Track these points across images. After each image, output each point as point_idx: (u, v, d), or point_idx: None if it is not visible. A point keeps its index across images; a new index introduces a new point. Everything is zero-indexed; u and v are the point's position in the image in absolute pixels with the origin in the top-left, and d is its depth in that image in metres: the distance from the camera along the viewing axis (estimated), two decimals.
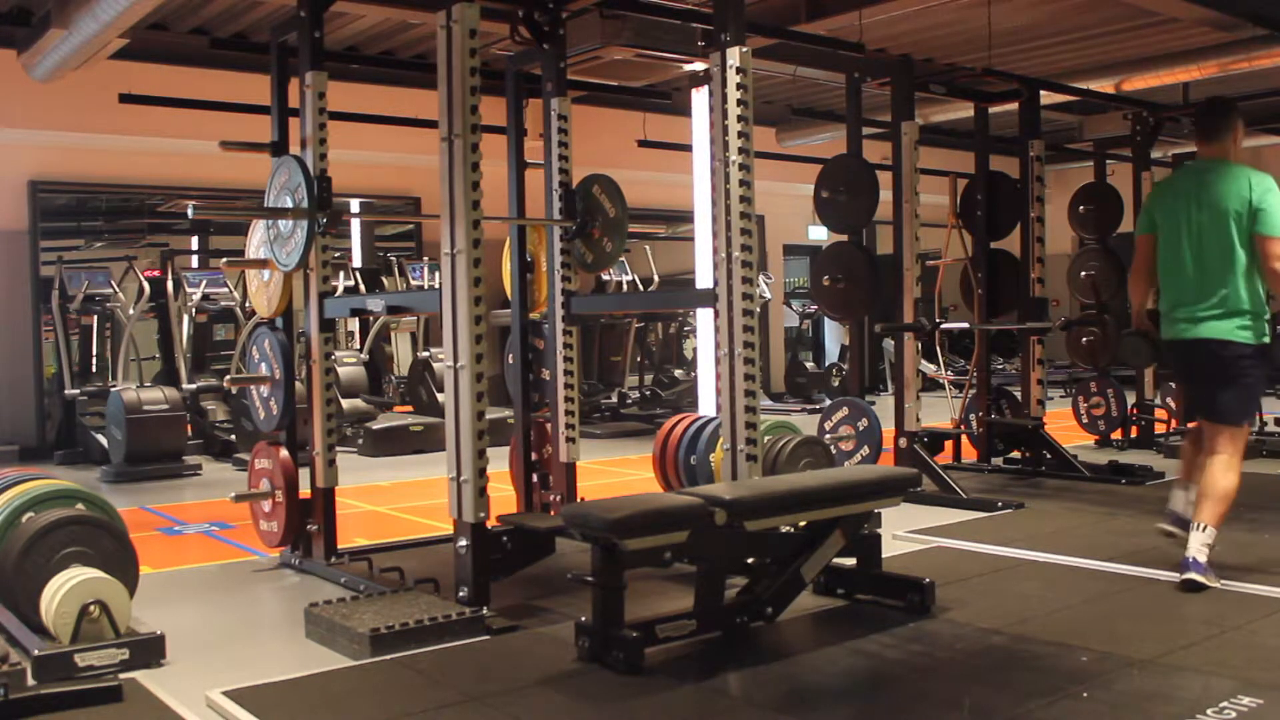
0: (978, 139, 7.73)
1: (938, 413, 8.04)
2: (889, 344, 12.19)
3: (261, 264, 5.19)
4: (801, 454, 5.44)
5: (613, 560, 3.49)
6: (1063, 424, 8.80)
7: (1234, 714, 2.95)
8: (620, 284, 11.84)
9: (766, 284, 12.72)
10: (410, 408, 10.83)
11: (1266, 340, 4.34)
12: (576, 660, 3.55)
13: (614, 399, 11.88)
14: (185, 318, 9.96)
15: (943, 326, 6.93)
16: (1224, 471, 4.34)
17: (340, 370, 9.76)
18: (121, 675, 3.46)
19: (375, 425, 9.50)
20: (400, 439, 9.39)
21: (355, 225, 12.71)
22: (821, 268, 7.11)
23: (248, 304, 8.63)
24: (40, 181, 9.86)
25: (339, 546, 5.00)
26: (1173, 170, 4.49)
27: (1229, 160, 4.43)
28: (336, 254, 12.12)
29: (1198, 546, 4.19)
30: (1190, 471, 4.71)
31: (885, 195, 6.91)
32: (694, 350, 12.68)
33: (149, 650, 3.63)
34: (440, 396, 8.96)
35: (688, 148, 9.04)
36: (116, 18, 6.99)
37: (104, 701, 3.24)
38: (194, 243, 12.90)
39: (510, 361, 5.56)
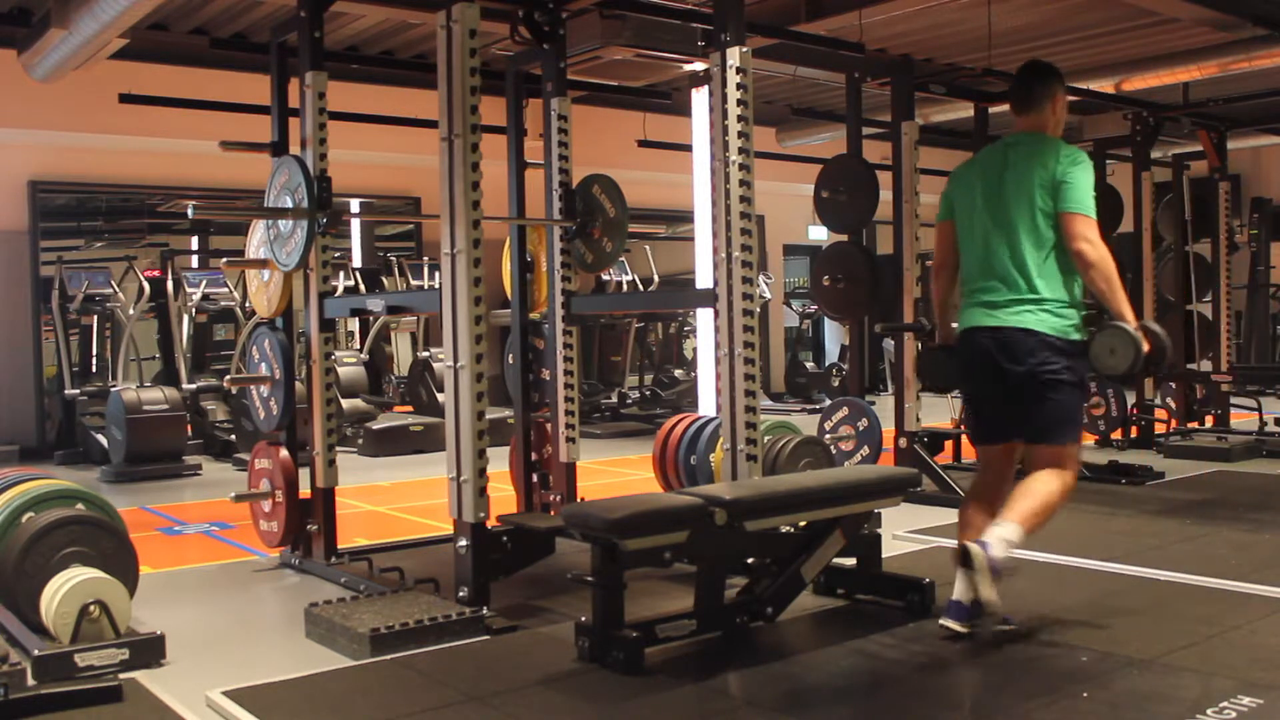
0: (978, 139, 7.73)
1: (938, 413, 8.03)
2: (889, 344, 12.19)
3: (261, 264, 5.19)
4: (801, 454, 5.44)
5: (613, 560, 3.49)
6: None
7: (1234, 714, 2.95)
8: (620, 284, 11.84)
9: (766, 284, 12.72)
10: (410, 408, 10.83)
11: (1080, 337, 3.70)
12: (576, 660, 3.55)
13: (614, 399, 11.88)
14: (185, 318, 9.96)
15: None
16: (1051, 478, 3.67)
17: (340, 370, 9.76)
18: (121, 675, 3.46)
19: (375, 425, 9.50)
20: (400, 439, 9.39)
21: (355, 225, 12.71)
22: (821, 268, 7.11)
23: (248, 304, 8.63)
24: (40, 181, 9.86)
25: (339, 546, 5.00)
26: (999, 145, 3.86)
27: (1044, 133, 3.85)
28: (336, 254, 12.12)
29: (996, 535, 3.49)
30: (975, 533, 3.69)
31: (885, 195, 6.91)
32: (694, 350, 12.68)
33: (149, 650, 3.63)
34: (440, 396, 8.96)
35: (688, 148, 9.03)
36: (116, 18, 6.99)
37: (104, 701, 3.24)
38: (194, 243, 12.89)
39: (510, 361, 5.56)
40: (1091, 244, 3.56)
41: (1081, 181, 3.63)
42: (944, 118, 10.47)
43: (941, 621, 3.63)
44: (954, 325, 4.00)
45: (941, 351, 4.10)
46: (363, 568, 4.70)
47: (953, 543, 5.21)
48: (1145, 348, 3.56)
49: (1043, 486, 3.65)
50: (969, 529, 3.81)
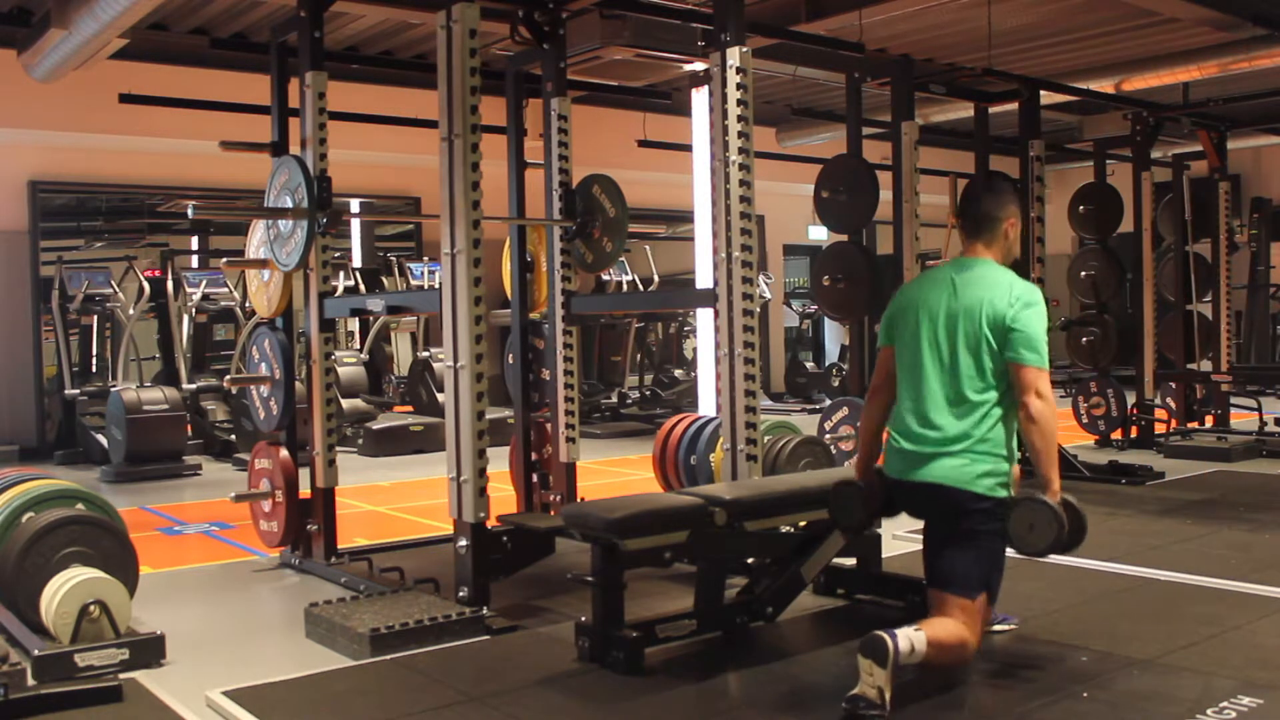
0: (978, 139, 7.73)
1: None
2: None
3: (261, 264, 5.19)
4: (801, 454, 5.44)
5: (613, 560, 3.49)
6: (1062, 424, 8.71)
7: (1234, 714, 2.95)
8: (620, 284, 11.84)
9: (766, 284, 12.72)
10: (410, 408, 10.83)
11: (1006, 495, 3.30)
12: (576, 660, 3.55)
13: (614, 399, 11.88)
14: (185, 318, 9.96)
15: None
16: (957, 626, 3.23)
17: (340, 370, 9.76)
18: (121, 675, 3.46)
19: (375, 425, 9.50)
20: (400, 439, 9.39)
21: (355, 225, 12.71)
22: (821, 268, 7.11)
23: (248, 304, 8.63)
24: (40, 181, 9.86)
25: (339, 546, 5.00)
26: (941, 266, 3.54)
27: (994, 262, 3.46)
28: (336, 254, 12.12)
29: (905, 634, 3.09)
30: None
31: (885, 195, 6.91)
32: (694, 350, 12.67)
33: (149, 650, 3.63)
34: (440, 396, 8.96)
35: (688, 148, 9.03)
36: (116, 18, 6.99)
37: (104, 701, 3.24)
38: (194, 243, 12.89)
39: (510, 361, 5.56)
40: (1042, 399, 3.21)
41: (1034, 327, 3.28)
42: (944, 118, 10.48)
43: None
44: (877, 465, 3.61)
45: (855, 488, 3.59)
46: (363, 568, 4.70)
47: None
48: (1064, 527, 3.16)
49: (945, 629, 3.21)
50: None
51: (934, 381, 3.37)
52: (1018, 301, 3.30)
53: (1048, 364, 3.26)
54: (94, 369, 10.25)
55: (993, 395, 3.31)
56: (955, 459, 3.29)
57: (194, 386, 9.46)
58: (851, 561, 4.20)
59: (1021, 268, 7.41)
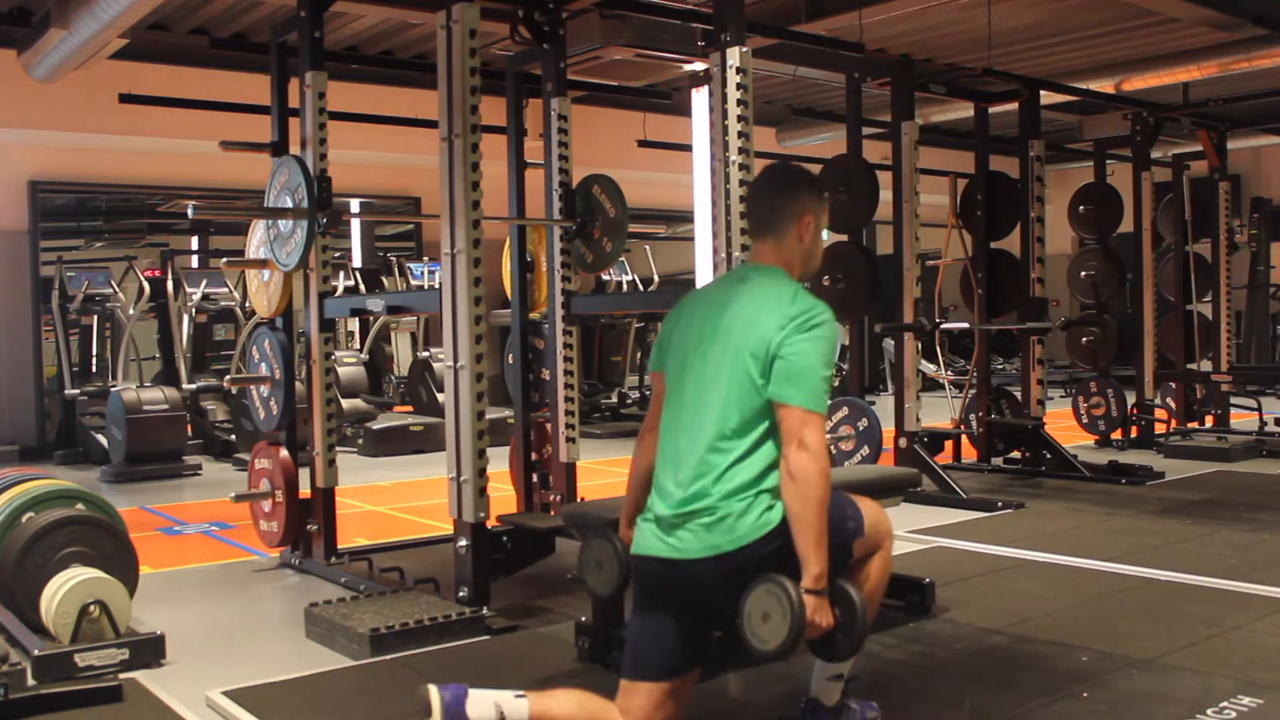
0: (978, 139, 7.73)
1: (938, 413, 8.04)
2: (889, 344, 12.19)
3: (261, 264, 5.19)
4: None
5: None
6: (1063, 424, 8.80)
7: (1234, 714, 2.95)
8: (620, 284, 11.84)
9: None
10: (410, 408, 10.83)
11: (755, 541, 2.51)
12: (576, 660, 3.55)
13: (614, 399, 11.88)
14: (185, 318, 9.96)
15: (943, 326, 6.94)
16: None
17: (340, 370, 9.76)
18: (121, 675, 3.46)
19: (375, 425, 9.50)
20: (400, 439, 9.39)
21: (355, 225, 12.71)
22: (821, 268, 7.11)
23: (248, 304, 8.63)
24: (40, 181, 9.86)
25: (339, 546, 5.00)
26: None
27: (780, 270, 2.71)
28: (336, 254, 12.12)
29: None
30: None
31: (885, 195, 6.91)
32: None
33: (149, 650, 3.63)
34: (440, 396, 8.96)
35: (688, 148, 9.03)
36: (116, 18, 6.99)
37: (104, 701, 3.24)
38: (194, 243, 12.91)
39: (510, 361, 5.56)
40: (806, 452, 2.43)
41: (808, 357, 2.51)
42: (944, 118, 10.48)
43: None
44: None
45: (613, 546, 2.87)
46: (363, 568, 4.70)
47: (952, 543, 5.24)
48: (817, 622, 2.42)
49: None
50: None
51: (693, 419, 2.61)
52: (795, 321, 2.54)
53: (824, 407, 2.51)
54: (94, 369, 10.25)
55: (757, 443, 2.54)
56: (714, 524, 2.52)
57: (194, 386, 9.46)
58: None
59: (1022, 267, 7.42)
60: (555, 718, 2.58)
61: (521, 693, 2.59)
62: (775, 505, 2.51)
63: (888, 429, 6.81)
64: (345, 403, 9.69)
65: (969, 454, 7.71)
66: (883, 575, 2.79)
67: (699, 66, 7.01)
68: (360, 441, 9.46)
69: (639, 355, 12.51)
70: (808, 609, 2.38)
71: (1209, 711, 2.97)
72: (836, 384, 12.87)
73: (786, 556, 2.45)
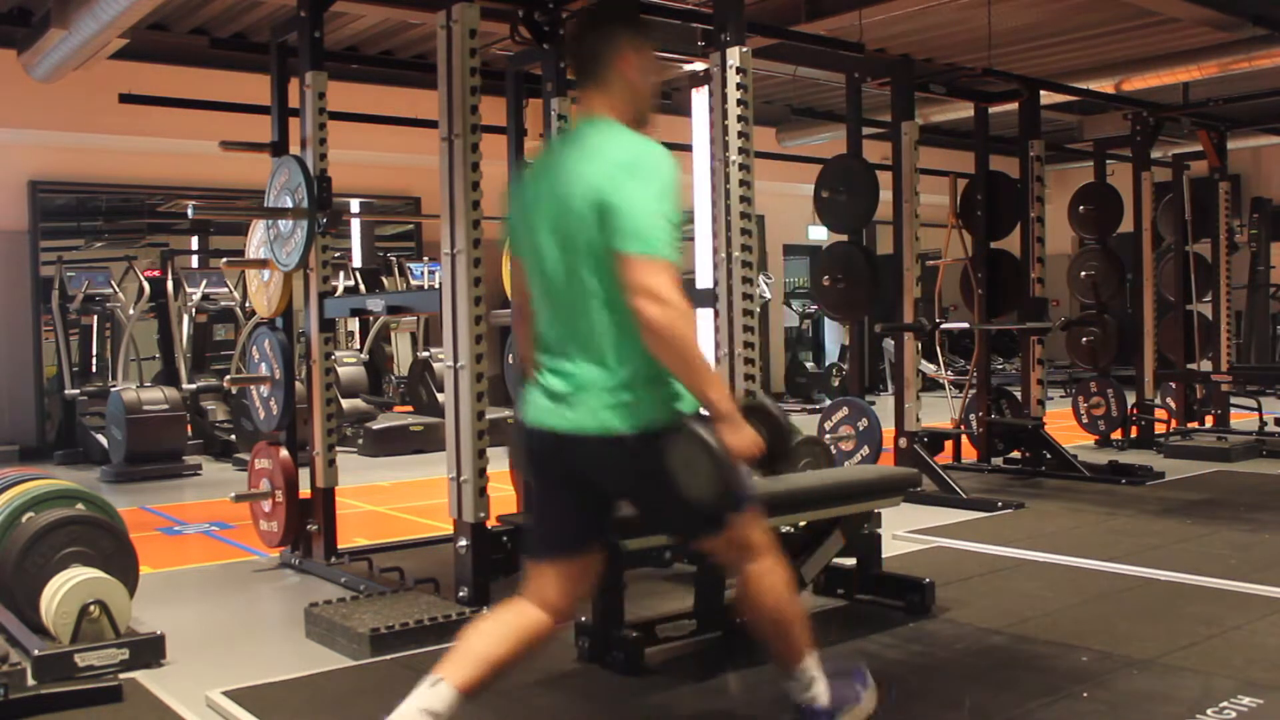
0: (978, 139, 7.73)
1: (938, 413, 8.04)
2: (889, 344, 12.20)
3: (261, 264, 5.19)
4: (801, 454, 5.44)
5: (613, 560, 3.49)
6: (1063, 424, 8.80)
7: (1234, 714, 2.95)
8: None
9: (766, 284, 12.72)
10: (410, 408, 10.83)
11: (660, 421, 2.43)
12: (576, 660, 3.55)
13: None
14: (185, 318, 9.96)
15: (943, 326, 6.94)
16: (771, 572, 2.59)
17: (340, 370, 9.76)
18: (121, 675, 3.46)
19: (375, 425, 9.50)
20: (400, 439, 9.39)
21: (355, 225, 12.70)
22: (821, 268, 7.12)
23: (248, 304, 8.63)
24: (40, 181, 9.86)
25: (339, 546, 5.00)
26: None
27: (614, 121, 2.54)
28: (336, 254, 12.11)
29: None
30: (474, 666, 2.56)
31: (885, 195, 6.91)
32: None
33: (149, 650, 3.63)
34: (440, 396, 8.96)
35: (688, 148, 8.99)
36: (116, 18, 6.99)
37: (104, 701, 3.24)
38: (194, 243, 12.89)
39: (510, 361, 5.56)
40: (655, 299, 2.28)
41: (640, 201, 2.34)
42: (944, 118, 10.48)
43: None
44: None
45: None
46: (363, 568, 4.70)
47: (953, 543, 5.24)
48: (740, 446, 2.36)
49: (769, 594, 2.59)
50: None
51: (557, 295, 2.51)
52: (620, 169, 2.37)
53: (667, 251, 2.33)
54: (94, 369, 10.25)
55: (612, 305, 2.41)
56: (592, 402, 2.45)
57: (194, 386, 9.46)
58: (851, 562, 4.20)
59: (1022, 267, 7.42)
60: (482, 674, 2.49)
61: (436, 677, 2.48)
62: (648, 398, 2.43)
63: (888, 429, 6.81)
64: (345, 403, 9.68)
65: (969, 454, 7.71)
66: (779, 590, 2.56)
67: (699, 66, 7.00)
68: (360, 441, 9.46)
69: None
70: (727, 440, 2.33)
71: (1209, 711, 2.97)
72: (837, 385, 12.90)
73: (652, 442, 2.40)
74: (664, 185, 2.39)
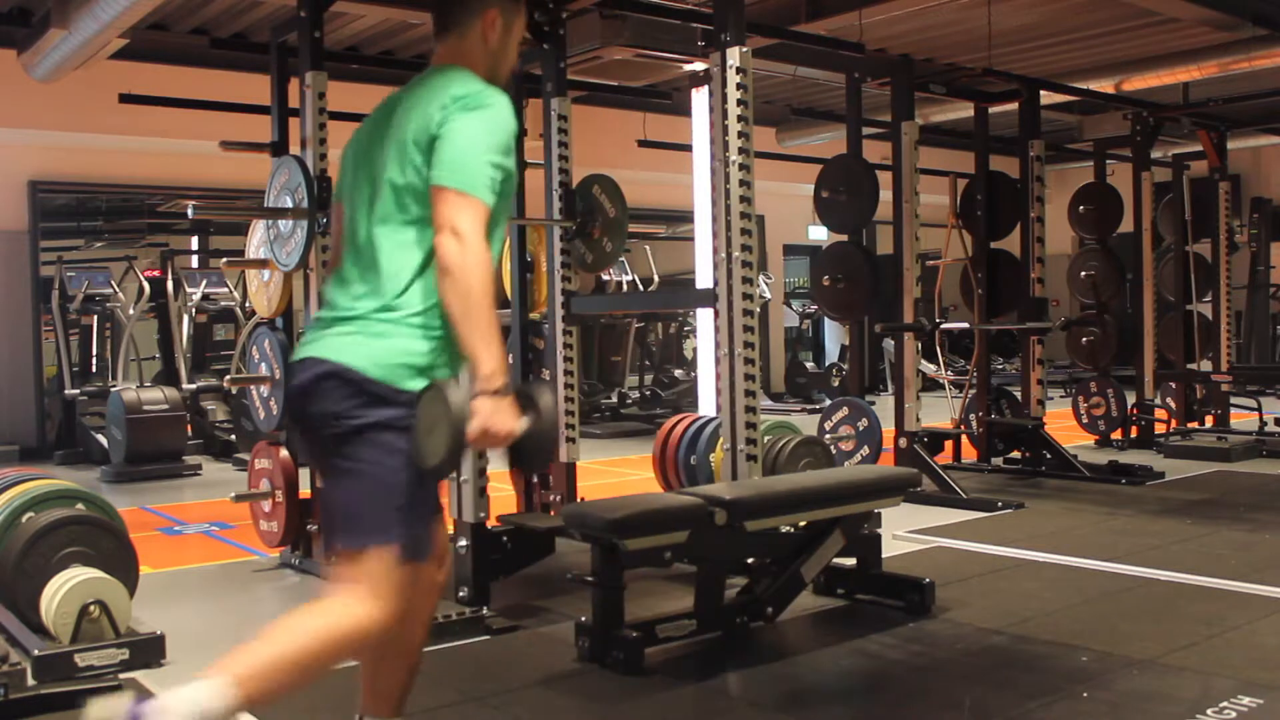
0: (978, 139, 7.73)
1: (938, 413, 8.04)
2: (889, 344, 12.19)
3: (261, 264, 5.19)
4: (801, 454, 5.44)
5: (613, 560, 3.49)
6: (1063, 424, 8.80)
7: (1234, 714, 2.95)
8: (620, 284, 11.84)
9: (766, 284, 12.72)
10: None
11: (425, 382, 2.23)
12: (576, 660, 3.55)
13: (614, 399, 11.88)
14: (185, 318, 9.96)
15: (943, 326, 6.94)
16: (320, 614, 2.21)
17: None
18: (121, 675, 3.47)
19: None
20: None
21: None
22: (821, 268, 7.12)
23: (248, 304, 8.63)
24: (40, 181, 9.86)
25: None
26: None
27: (463, 69, 2.41)
28: None
29: (176, 697, 2.01)
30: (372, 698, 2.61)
31: (885, 195, 6.91)
32: (694, 350, 12.68)
33: (149, 650, 3.63)
34: None
35: (688, 148, 9.03)
36: (116, 18, 6.99)
37: None
38: (194, 243, 12.89)
39: (510, 361, 5.56)
40: (459, 239, 2.15)
41: (468, 135, 2.23)
42: (944, 118, 10.48)
43: None
44: None
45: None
46: None
47: (953, 543, 5.24)
48: (493, 428, 2.12)
49: (301, 625, 2.19)
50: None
51: (352, 229, 2.39)
52: (455, 103, 2.26)
53: (486, 194, 2.21)
54: (94, 369, 10.25)
55: (417, 241, 2.27)
56: (348, 334, 2.26)
57: (194, 386, 9.45)
58: (851, 562, 4.20)
59: (1022, 267, 7.42)
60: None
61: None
62: (413, 345, 2.23)
63: (888, 429, 6.81)
64: None
65: (969, 454, 7.70)
66: (336, 639, 2.19)
67: (699, 66, 7.01)
68: None
69: (639, 355, 12.52)
70: (481, 413, 2.10)
71: (1209, 711, 2.97)
72: (837, 385, 12.89)
73: (388, 398, 2.20)
74: (499, 130, 2.27)
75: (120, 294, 9.76)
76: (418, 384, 2.21)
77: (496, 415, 2.12)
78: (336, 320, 2.29)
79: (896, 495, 4.31)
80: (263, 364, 5.20)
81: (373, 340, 2.23)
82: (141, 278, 9.68)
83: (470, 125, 2.24)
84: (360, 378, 2.21)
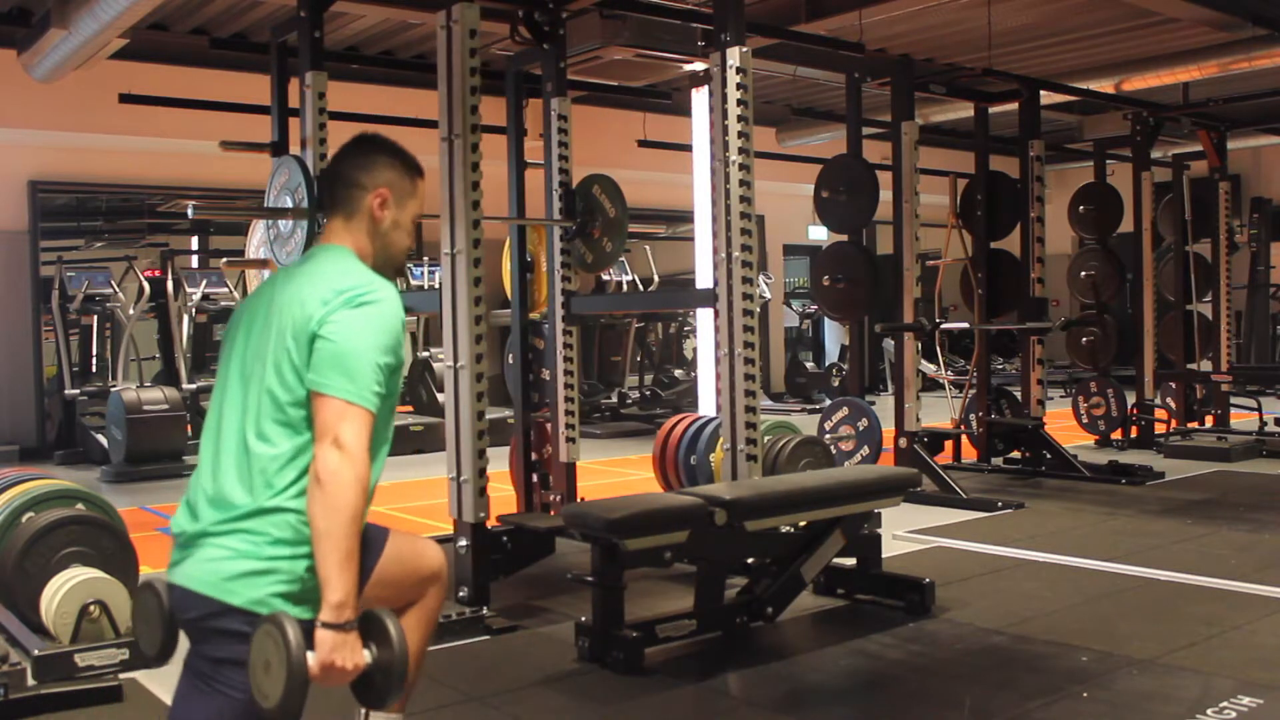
0: (978, 139, 7.74)
1: (938, 413, 8.04)
2: (889, 344, 12.20)
3: (261, 264, 5.20)
4: (801, 454, 5.44)
5: (613, 560, 3.49)
6: (1063, 424, 8.80)
7: (1234, 714, 2.95)
8: (620, 284, 11.84)
9: (766, 284, 12.72)
10: (410, 407, 10.83)
11: (263, 603, 2.01)
12: (576, 660, 3.55)
13: (614, 399, 11.88)
14: (185, 318, 9.96)
15: (943, 326, 6.94)
16: None
17: None
18: (121, 675, 3.46)
19: None
20: (400, 439, 9.38)
21: None
22: (821, 268, 7.12)
23: None
24: (40, 181, 9.86)
25: None
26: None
27: (349, 251, 2.24)
28: None
29: None
30: None
31: (885, 195, 6.91)
32: (694, 350, 12.68)
33: None
34: (440, 396, 8.96)
35: (688, 148, 9.03)
36: (116, 18, 6.99)
37: (104, 701, 3.24)
38: (194, 243, 12.89)
39: (510, 361, 5.56)
40: (341, 451, 1.97)
41: (353, 337, 2.04)
42: (944, 118, 10.48)
43: None
44: None
45: (158, 597, 2.13)
46: None
47: (953, 543, 5.24)
48: (339, 663, 1.98)
49: None
50: None
51: (229, 427, 2.13)
52: (338, 297, 2.07)
53: (372, 401, 2.03)
54: (94, 369, 10.25)
55: (290, 448, 2.06)
56: (215, 548, 2.04)
57: (194, 386, 9.45)
58: (851, 562, 4.20)
59: (1022, 267, 7.42)
60: None
61: None
62: (278, 566, 2.03)
63: (888, 429, 6.81)
64: None
65: (969, 454, 7.71)
66: (424, 633, 2.30)
67: (699, 66, 7.01)
68: None
69: (639, 355, 12.52)
70: (325, 646, 1.94)
71: (1209, 711, 2.97)
72: (837, 385, 12.89)
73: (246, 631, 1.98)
74: (386, 329, 2.08)
75: (120, 294, 9.75)
76: (286, 607, 2.02)
77: (340, 650, 1.96)
78: (201, 536, 2.06)
79: (896, 495, 4.31)
80: None
81: (239, 561, 2.02)
82: (141, 278, 9.67)
83: (354, 325, 2.05)
84: (222, 608, 2.02)
